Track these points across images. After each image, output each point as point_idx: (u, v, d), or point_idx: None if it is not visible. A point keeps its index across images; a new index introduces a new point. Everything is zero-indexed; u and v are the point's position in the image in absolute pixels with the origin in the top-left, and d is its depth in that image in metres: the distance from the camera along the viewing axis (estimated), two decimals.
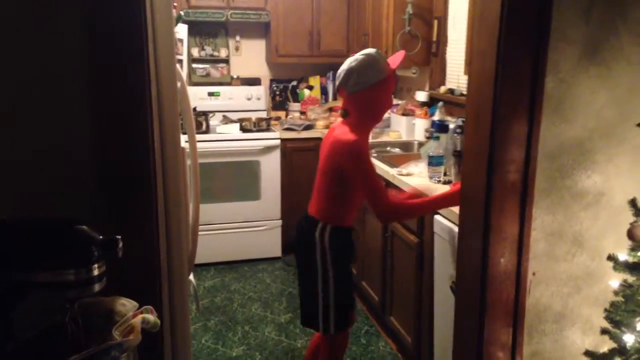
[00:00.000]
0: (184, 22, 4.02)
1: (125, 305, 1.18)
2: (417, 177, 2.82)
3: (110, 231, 1.18)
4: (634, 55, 1.67)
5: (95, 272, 1.12)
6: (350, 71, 2.14)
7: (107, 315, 1.15)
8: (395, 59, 2.23)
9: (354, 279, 2.41)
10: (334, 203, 2.29)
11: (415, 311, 2.75)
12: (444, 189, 2.47)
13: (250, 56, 4.85)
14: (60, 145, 1.33)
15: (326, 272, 2.27)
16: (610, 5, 1.61)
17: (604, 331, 1.63)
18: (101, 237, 1.14)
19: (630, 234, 1.52)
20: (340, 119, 2.29)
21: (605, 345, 1.63)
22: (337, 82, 2.22)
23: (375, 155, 3.38)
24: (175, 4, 1.82)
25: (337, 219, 2.28)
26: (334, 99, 4.85)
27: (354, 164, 2.14)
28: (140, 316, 1.17)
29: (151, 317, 1.18)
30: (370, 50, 2.19)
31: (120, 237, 1.15)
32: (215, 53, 4.68)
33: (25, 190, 1.31)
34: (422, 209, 2.33)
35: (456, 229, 2.02)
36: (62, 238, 1.13)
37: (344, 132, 2.18)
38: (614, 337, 1.58)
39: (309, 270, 2.31)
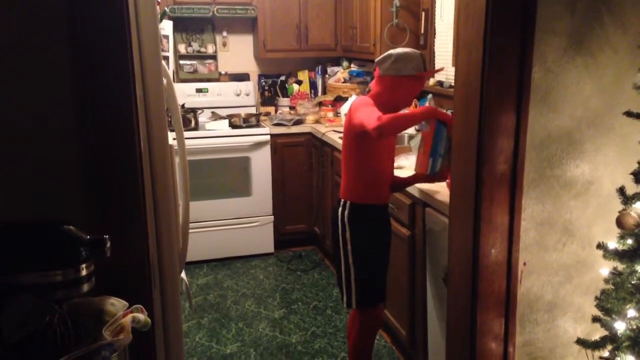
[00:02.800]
0: (170, 18, 4.00)
1: (115, 304, 1.17)
2: (407, 170, 2.82)
3: (98, 231, 1.17)
4: (620, 44, 1.67)
5: (84, 272, 1.11)
6: (389, 55, 2.34)
7: (97, 316, 1.14)
8: (432, 69, 2.47)
9: (382, 258, 2.51)
10: (352, 179, 2.41)
11: (409, 304, 2.76)
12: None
13: (238, 52, 4.83)
14: (45, 145, 1.31)
15: (345, 248, 2.41)
16: None
17: (595, 319, 1.64)
18: (88, 236, 1.13)
19: (619, 222, 1.53)
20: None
21: (597, 333, 1.64)
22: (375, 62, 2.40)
23: None
24: (159, 0, 1.80)
25: (357, 195, 2.40)
26: (323, 93, 4.84)
27: (355, 109, 2.30)
28: (130, 315, 1.16)
29: (141, 316, 1.18)
30: (416, 50, 2.38)
31: (107, 236, 1.14)
32: (203, 49, 4.65)
33: (10, 191, 1.29)
34: (405, 119, 2.29)
35: (447, 220, 2.03)
36: (49, 239, 1.12)
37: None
38: (605, 325, 1.59)
39: (333, 246, 2.49)
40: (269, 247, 4.44)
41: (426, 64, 2.38)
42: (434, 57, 3.72)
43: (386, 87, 2.36)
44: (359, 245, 2.40)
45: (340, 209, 2.42)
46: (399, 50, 2.35)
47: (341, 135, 3.89)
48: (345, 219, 2.39)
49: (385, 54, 2.36)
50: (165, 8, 4.09)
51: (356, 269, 2.41)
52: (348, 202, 2.40)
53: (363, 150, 2.36)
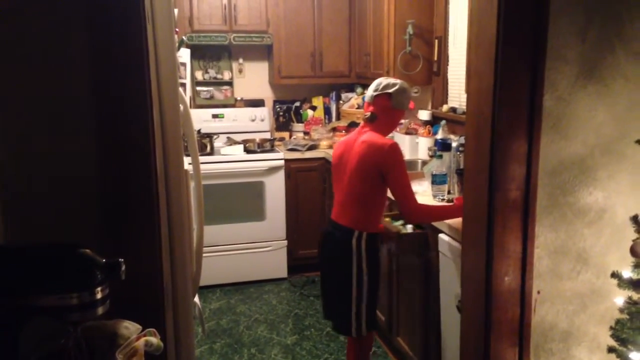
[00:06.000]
0: (187, 46, 4.08)
1: (129, 328, 1.19)
2: (420, 196, 2.81)
3: (113, 254, 1.19)
4: (631, 72, 1.68)
5: (99, 296, 1.12)
6: (403, 89, 2.42)
7: (111, 339, 1.15)
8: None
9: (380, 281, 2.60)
10: (367, 209, 2.43)
11: (423, 331, 2.73)
12: None
13: (253, 78, 4.90)
14: (64, 169, 1.34)
15: (361, 278, 2.40)
16: (606, 24, 1.63)
17: (610, 349, 1.62)
18: (104, 260, 1.15)
19: (633, 251, 1.52)
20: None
21: None
22: (383, 90, 2.42)
23: None
24: (177, 29, 1.85)
25: (371, 225, 2.43)
26: (337, 119, 4.88)
27: (393, 163, 2.32)
28: (143, 339, 1.17)
29: (154, 340, 1.19)
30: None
31: (122, 260, 1.16)
32: (219, 76, 4.73)
33: (27, 215, 1.32)
34: (446, 214, 2.42)
35: (460, 247, 2.02)
36: (65, 262, 1.14)
37: (377, 137, 2.39)
38: (620, 355, 1.57)
39: (343, 278, 2.42)
40: (282, 272, 4.44)
41: None
42: (447, 84, 3.75)
43: (395, 119, 2.48)
44: (374, 273, 2.45)
45: (354, 240, 2.39)
46: (399, 82, 2.42)
47: None
48: (363, 249, 2.39)
49: (398, 86, 2.41)
50: (183, 37, 4.18)
51: (369, 296, 2.45)
52: (364, 232, 2.39)
53: (379, 187, 2.40)
